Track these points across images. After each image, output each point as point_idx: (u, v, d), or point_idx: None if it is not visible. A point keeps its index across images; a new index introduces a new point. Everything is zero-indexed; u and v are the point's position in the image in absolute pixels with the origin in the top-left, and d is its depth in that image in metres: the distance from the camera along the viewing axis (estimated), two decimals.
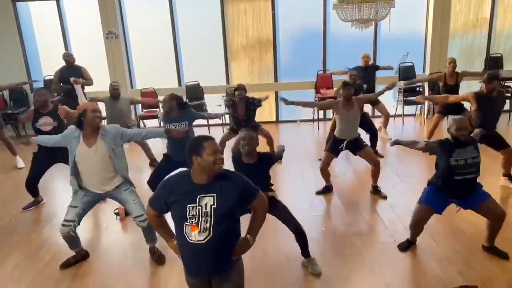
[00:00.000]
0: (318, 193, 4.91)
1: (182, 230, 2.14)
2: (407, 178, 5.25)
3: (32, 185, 4.80)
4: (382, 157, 5.87)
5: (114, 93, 5.97)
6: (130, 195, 3.48)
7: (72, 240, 3.52)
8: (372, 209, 4.49)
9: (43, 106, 4.63)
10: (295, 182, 5.34)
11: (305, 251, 3.46)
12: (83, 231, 4.35)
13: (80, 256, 3.69)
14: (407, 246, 3.62)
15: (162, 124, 4.67)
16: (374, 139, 5.97)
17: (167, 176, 2.31)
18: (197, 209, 2.11)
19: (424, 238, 3.67)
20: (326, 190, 4.93)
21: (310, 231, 4.17)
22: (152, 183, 4.53)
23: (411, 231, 3.58)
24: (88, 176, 3.37)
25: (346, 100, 4.65)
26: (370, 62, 7.09)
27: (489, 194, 3.32)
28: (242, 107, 5.63)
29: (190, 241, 2.11)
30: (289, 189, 5.19)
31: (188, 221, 2.11)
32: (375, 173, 4.74)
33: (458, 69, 6.03)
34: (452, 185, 3.23)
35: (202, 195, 2.12)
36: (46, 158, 4.56)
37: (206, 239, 2.10)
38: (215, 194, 2.12)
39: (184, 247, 2.18)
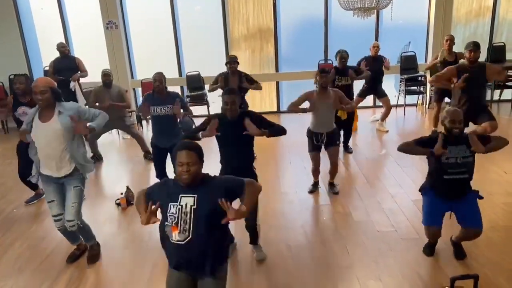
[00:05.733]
0: (310, 192, 4.73)
1: (165, 229, 2.21)
2: (408, 168, 5.23)
3: (25, 176, 4.64)
4: (350, 152, 5.95)
5: (106, 81, 5.78)
6: (74, 196, 3.32)
7: (69, 233, 3.50)
8: (373, 199, 4.49)
9: (23, 94, 4.40)
10: (296, 172, 5.34)
11: (254, 240, 3.50)
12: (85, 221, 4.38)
13: (84, 247, 3.70)
14: (431, 248, 3.44)
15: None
16: (347, 135, 5.99)
17: (165, 179, 2.39)
18: (177, 208, 2.16)
19: None
20: (316, 185, 4.78)
21: (311, 220, 4.19)
22: (159, 176, 4.53)
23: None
24: (42, 154, 3.23)
25: (322, 89, 4.30)
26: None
27: (479, 209, 3.19)
28: (235, 80, 5.47)
29: (172, 241, 2.18)
30: (290, 179, 5.19)
31: (168, 220, 2.16)
32: (332, 172, 4.64)
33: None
34: (441, 184, 3.15)
35: (183, 195, 2.18)
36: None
37: (186, 240, 2.15)
38: (196, 195, 2.17)
39: (169, 245, 2.24)
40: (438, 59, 6.35)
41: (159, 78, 4.30)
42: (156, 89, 4.32)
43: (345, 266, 3.34)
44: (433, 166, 3.21)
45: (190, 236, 2.14)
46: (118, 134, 7.38)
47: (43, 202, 4.82)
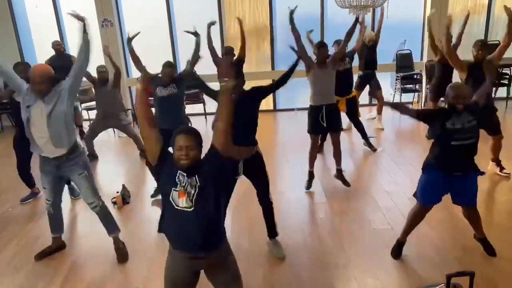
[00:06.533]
0: (307, 187, 4.70)
1: (169, 197, 2.14)
2: (404, 165, 5.26)
3: (23, 171, 4.72)
4: (375, 150, 5.80)
5: (101, 78, 5.80)
6: (83, 181, 3.36)
7: (53, 220, 3.59)
8: (369, 196, 4.50)
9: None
10: (293, 171, 5.34)
11: (271, 231, 3.44)
12: (81, 220, 4.38)
13: (56, 247, 3.68)
14: (399, 250, 3.39)
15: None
16: (362, 132, 5.88)
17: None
18: (185, 179, 2.13)
19: (421, 225, 3.63)
20: (311, 178, 4.71)
21: (308, 218, 4.20)
22: None
23: (405, 228, 3.38)
24: (38, 136, 3.20)
25: (321, 62, 4.42)
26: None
27: (477, 189, 3.18)
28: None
29: (177, 208, 2.12)
30: (287, 178, 5.20)
31: (177, 187, 2.12)
32: (336, 157, 4.60)
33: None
34: (448, 153, 3.01)
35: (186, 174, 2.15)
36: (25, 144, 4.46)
37: (192, 208, 2.10)
38: (197, 176, 2.14)
39: (171, 215, 2.17)
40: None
41: (171, 73, 4.47)
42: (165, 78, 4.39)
43: (342, 264, 3.34)
44: (439, 133, 3.06)
45: (197, 204, 2.11)
46: (114, 132, 7.35)
47: (39, 201, 4.81)
